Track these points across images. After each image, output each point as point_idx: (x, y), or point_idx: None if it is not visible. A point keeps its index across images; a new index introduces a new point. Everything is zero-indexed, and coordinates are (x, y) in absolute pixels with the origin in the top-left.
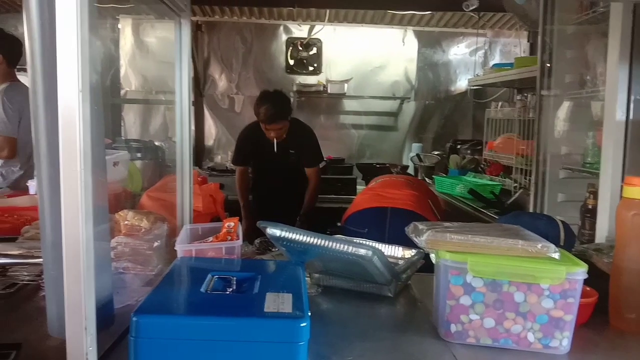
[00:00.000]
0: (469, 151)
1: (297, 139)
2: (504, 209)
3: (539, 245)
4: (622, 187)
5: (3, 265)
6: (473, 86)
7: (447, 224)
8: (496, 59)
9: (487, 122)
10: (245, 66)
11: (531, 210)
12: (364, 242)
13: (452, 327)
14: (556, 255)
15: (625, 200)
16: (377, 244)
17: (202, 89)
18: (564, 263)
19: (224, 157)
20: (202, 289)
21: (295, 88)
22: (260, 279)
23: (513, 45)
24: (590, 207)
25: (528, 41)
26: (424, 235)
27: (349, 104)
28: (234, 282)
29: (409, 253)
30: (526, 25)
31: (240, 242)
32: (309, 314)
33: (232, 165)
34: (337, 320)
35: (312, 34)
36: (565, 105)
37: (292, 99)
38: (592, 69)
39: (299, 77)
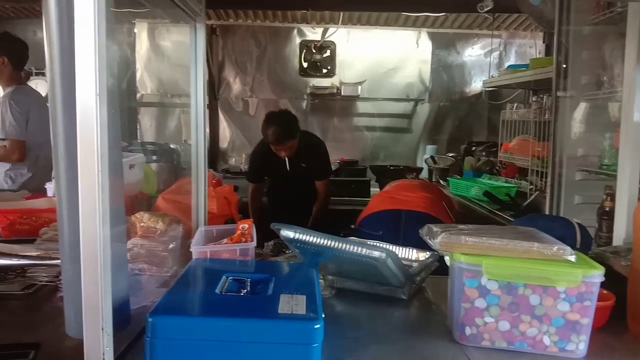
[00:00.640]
0: (484, 153)
1: (308, 152)
2: (519, 211)
3: (555, 248)
4: None
5: (22, 267)
6: (488, 88)
7: (461, 226)
8: (511, 60)
9: (502, 124)
10: (259, 69)
11: (547, 212)
12: (378, 244)
13: (466, 329)
14: (572, 258)
15: None
16: (391, 246)
17: (217, 92)
18: (580, 266)
19: (238, 160)
20: (217, 290)
21: (308, 90)
22: (274, 281)
23: (528, 47)
24: (607, 209)
25: (543, 42)
26: (439, 238)
27: (362, 106)
28: (248, 284)
29: (423, 255)
30: (542, 26)
31: (254, 243)
32: (323, 315)
33: (246, 168)
34: (351, 322)
35: (326, 36)
36: (582, 107)
37: (305, 102)
38: (609, 70)
39: (313, 79)
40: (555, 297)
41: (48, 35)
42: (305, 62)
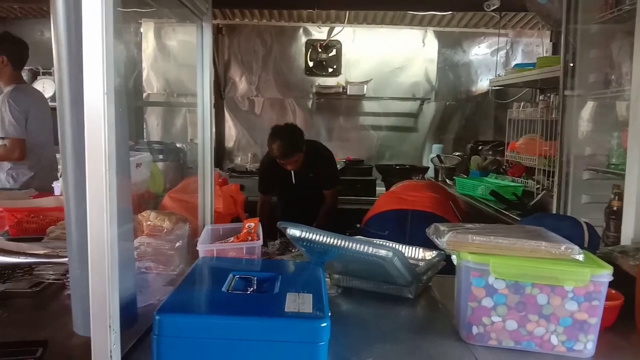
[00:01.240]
0: (490, 152)
1: (315, 162)
2: (526, 210)
3: (563, 247)
4: None
5: (29, 265)
6: (494, 86)
7: (468, 225)
8: (518, 59)
9: (509, 123)
10: (265, 68)
11: (554, 212)
12: (385, 243)
13: (473, 329)
14: (580, 257)
15: None
16: (397, 245)
17: (223, 92)
18: (588, 265)
19: (244, 159)
20: (224, 289)
21: (314, 90)
22: (280, 279)
23: (535, 45)
24: (615, 208)
25: (550, 41)
26: (446, 237)
27: (368, 105)
28: (255, 282)
29: (430, 254)
30: (549, 24)
31: (260, 242)
32: (329, 314)
33: (252, 167)
34: (357, 321)
35: (332, 35)
36: (589, 106)
37: (311, 101)
38: (617, 69)
39: (319, 78)
40: (563, 297)
41: (56, 35)
42: (311, 61)
